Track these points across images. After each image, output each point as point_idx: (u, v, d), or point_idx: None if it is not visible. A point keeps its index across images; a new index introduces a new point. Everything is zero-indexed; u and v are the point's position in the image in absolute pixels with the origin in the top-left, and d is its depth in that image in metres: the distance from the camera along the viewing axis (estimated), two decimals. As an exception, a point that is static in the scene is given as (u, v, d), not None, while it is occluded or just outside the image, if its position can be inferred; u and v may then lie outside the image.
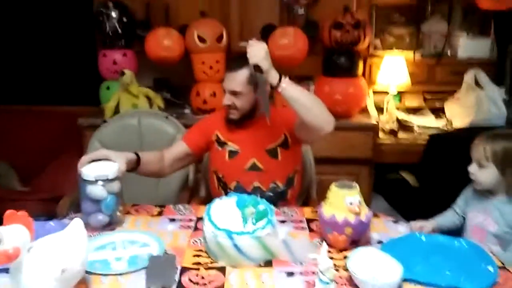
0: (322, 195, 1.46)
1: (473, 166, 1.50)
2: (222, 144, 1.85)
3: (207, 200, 1.73)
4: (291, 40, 2.70)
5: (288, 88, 1.57)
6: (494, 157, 1.45)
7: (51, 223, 1.51)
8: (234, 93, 1.73)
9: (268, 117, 1.69)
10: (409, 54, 3.05)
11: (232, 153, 1.83)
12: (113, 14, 2.80)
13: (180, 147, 1.89)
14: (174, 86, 3.16)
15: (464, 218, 1.58)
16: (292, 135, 1.81)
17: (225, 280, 1.21)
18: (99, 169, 1.50)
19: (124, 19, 2.83)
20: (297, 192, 1.92)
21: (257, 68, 1.56)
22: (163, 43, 2.76)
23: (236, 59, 1.76)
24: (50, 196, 2.47)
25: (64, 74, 3.36)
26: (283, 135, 1.82)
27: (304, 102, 1.59)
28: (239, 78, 1.71)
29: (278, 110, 1.94)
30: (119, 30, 2.83)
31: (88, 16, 3.04)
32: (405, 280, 1.18)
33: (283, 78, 1.57)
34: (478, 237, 1.50)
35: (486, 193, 1.52)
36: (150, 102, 2.80)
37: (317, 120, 1.60)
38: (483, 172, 1.48)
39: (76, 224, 1.15)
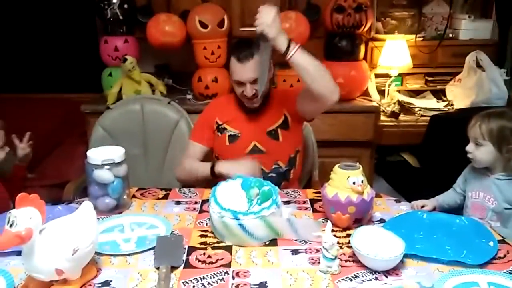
0: (324, 178, 1.49)
1: (470, 145, 1.53)
2: (221, 130, 1.87)
3: (210, 184, 1.76)
4: (292, 24, 2.71)
5: (297, 56, 1.55)
6: (490, 135, 1.48)
7: (59, 207, 1.55)
8: (254, 82, 1.71)
9: (261, 89, 1.68)
10: (411, 37, 3.05)
11: (232, 138, 1.85)
12: (114, 0, 2.79)
13: (197, 149, 1.91)
14: (176, 72, 3.17)
15: (464, 197, 1.61)
16: (293, 114, 1.83)
17: (231, 259, 1.24)
18: (106, 153, 1.52)
19: (125, 5, 2.83)
20: (299, 173, 1.95)
21: (263, 36, 1.53)
22: (165, 29, 2.76)
23: (241, 49, 1.72)
24: (55, 182, 2.50)
25: (66, 62, 3.37)
26: (283, 115, 1.83)
27: (312, 70, 1.58)
28: (254, 66, 1.69)
29: (277, 90, 1.96)
30: (120, 17, 2.83)
31: (89, 3, 3.04)
32: (407, 256, 1.21)
33: (292, 45, 1.54)
34: (478, 214, 1.53)
35: (484, 171, 1.54)
36: (152, 88, 2.82)
37: (323, 90, 1.61)
38: (480, 150, 1.50)
39: (86, 206, 1.18)
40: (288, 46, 1.54)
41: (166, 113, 2.32)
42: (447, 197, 1.63)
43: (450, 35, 3.13)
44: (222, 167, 1.75)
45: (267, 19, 1.50)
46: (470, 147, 1.53)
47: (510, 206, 1.47)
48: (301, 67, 1.57)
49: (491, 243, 1.27)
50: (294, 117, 1.84)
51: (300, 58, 1.56)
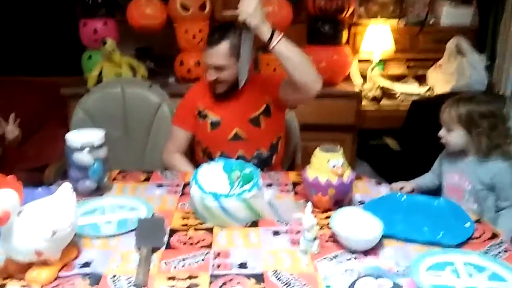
0: (306, 161, 1.50)
1: (442, 130, 1.58)
2: (203, 116, 1.86)
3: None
4: (275, 8, 2.69)
5: (280, 46, 1.52)
6: (459, 119, 1.53)
7: (39, 189, 1.52)
8: (218, 68, 1.71)
9: (242, 80, 1.65)
10: (393, 22, 3.06)
11: (213, 124, 1.84)
12: (94, -18, 2.74)
13: (180, 135, 1.91)
14: (157, 56, 3.14)
15: (441, 179, 1.64)
16: (276, 101, 1.82)
17: (213, 240, 1.25)
18: (85, 136, 1.51)
19: (105, -13, 2.78)
20: (281, 157, 1.96)
21: (245, 25, 1.51)
22: (145, 11, 2.73)
23: (214, 32, 1.73)
24: (35, 166, 2.46)
25: (45, 44, 3.31)
26: (265, 102, 1.82)
27: (296, 60, 1.56)
28: (220, 52, 1.69)
29: (260, 76, 1.95)
30: (100, -1, 2.77)
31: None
32: (385, 236, 1.23)
33: (275, 34, 1.52)
34: (455, 196, 1.57)
35: (458, 154, 1.59)
36: (133, 71, 2.78)
37: (306, 79, 1.59)
38: (452, 135, 1.55)
39: (64, 187, 1.17)
40: (272, 35, 1.51)
41: (147, 97, 2.29)
42: (425, 180, 1.67)
43: (432, 21, 3.15)
44: None
45: (249, 8, 1.47)
46: (442, 132, 1.58)
47: (484, 187, 1.51)
48: (284, 57, 1.55)
49: (468, 224, 1.30)
50: (276, 104, 1.83)
51: (283, 47, 1.53)
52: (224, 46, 1.68)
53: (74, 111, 2.27)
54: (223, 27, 1.74)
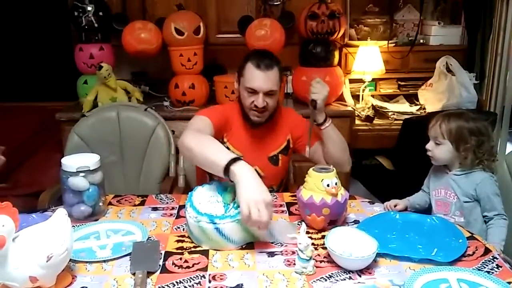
0: (301, 181, 1.51)
1: (430, 143, 1.61)
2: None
3: (187, 190, 1.74)
4: (267, 31, 2.74)
5: (329, 129, 1.73)
6: (449, 134, 1.56)
7: (34, 215, 1.52)
8: (269, 93, 1.69)
9: (309, 148, 1.76)
10: (383, 43, 3.12)
11: None
12: (89, 8, 2.78)
13: (204, 122, 1.68)
14: (153, 79, 3.18)
15: None
16: (295, 142, 1.87)
17: (208, 263, 1.25)
18: (80, 160, 1.51)
19: (100, 13, 2.81)
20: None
21: (313, 103, 1.68)
22: (140, 36, 2.76)
23: (264, 56, 1.70)
24: (30, 191, 2.46)
25: (41, 70, 3.33)
26: (286, 140, 1.85)
27: (338, 143, 1.76)
28: (274, 77, 1.69)
29: (287, 110, 1.94)
30: (95, 24, 2.81)
31: (63, 11, 3.02)
32: (380, 255, 1.24)
33: (328, 119, 1.73)
34: (442, 211, 1.60)
35: (444, 169, 1.63)
36: (128, 95, 2.80)
37: (341, 160, 1.76)
38: (439, 149, 1.58)
39: (59, 213, 1.17)
40: (325, 120, 1.72)
41: (142, 120, 2.31)
42: (417, 198, 1.69)
43: (421, 41, 3.22)
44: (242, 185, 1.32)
45: (324, 93, 1.67)
46: (430, 145, 1.61)
47: (469, 199, 1.54)
48: (330, 138, 1.74)
49: (461, 241, 1.31)
50: (295, 145, 1.87)
51: (331, 131, 1.74)
52: (276, 72, 1.69)
53: (69, 136, 2.28)
54: (268, 53, 1.74)
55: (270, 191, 1.77)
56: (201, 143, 1.50)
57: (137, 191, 1.94)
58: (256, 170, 1.73)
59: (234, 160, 1.35)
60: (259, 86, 1.67)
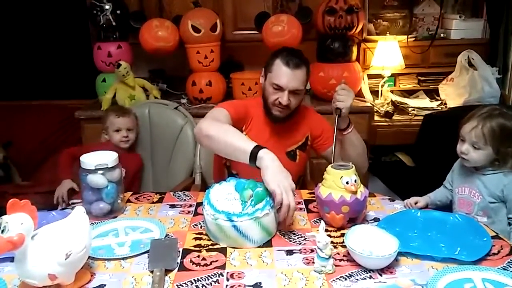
0: (319, 178, 1.49)
1: (466, 146, 1.49)
2: None
3: (203, 188, 1.74)
4: (284, 27, 2.71)
5: (351, 134, 1.76)
6: (491, 138, 1.44)
7: (53, 212, 1.54)
8: (295, 92, 1.69)
9: (333, 157, 1.72)
10: (403, 38, 3.06)
11: None
12: (107, 7, 2.80)
13: (223, 113, 1.67)
14: (170, 77, 3.19)
15: None
16: (313, 141, 1.86)
17: (226, 261, 1.24)
18: (99, 158, 1.52)
19: (118, 11, 2.84)
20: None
21: (338, 111, 1.68)
22: (158, 34, 2.76)
23: (293, 55, 1.69)
24: (50, 189, 2.48)
25: (60, 68, 3.37)
26: (305, 137, 1.84)
27: (358, 147, 1.78)
28: (301, 76, 1.69)
29: (307, 108, 1.92)
30: (113, 23, 2.83)
31: (81, 9, 3.05)
32: (401, 254, 1.21)
33: (350, 124, 1.75)
34: (465, 210, 1.54)
35: (470, 167, 1.54)
36: (146, 93, 2.82)
37: (361, 165, 1.76)
38: (478, 153, 1.47)
39: (78, 210, 1.18)
40: (348, 125, 1.74)
41: (172, 118, 2.35)
42: (439, 194, 1.64)
43: (442, 35, 3.15)
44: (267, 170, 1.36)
45: (349, 101, 1.67)
46: (465, 149, 1.49)
47: (495, 200, 1.47)
48: (351, 143, 1.77)
49: (485, 239, 1.27)
50: (312, 143, 1.87)
51: (353, 136, 1.76)
52: (304, 71, 1.69)
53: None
54: (298, 52, 1.73)
55: None
56: (222, 130, 1.52)
57: (164, 188, 1.94)
58: None
59: (258, 147, 1.40)
60: (286, 84, 1.67)
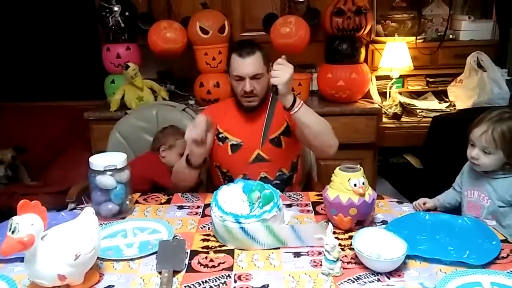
0: (326, 180, 1.49)
1: (476, 151, 1.46)
2: (222, 139, 1.84)
3: (209, 191, 1.75)
4: (292, 28, 2.71)
5: (300, 113, 1.62)
6: (502, 143, 1.41)
7: (63, 213, 1.56)
8: (255, 77, 1.74)
9: (264, 141, 1.67)
10: (411, 39, 3.05)
11: (234, 147, 1.82)
12: (116, 8, 2.82)
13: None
14: (178, 78, 3.20)
15: None
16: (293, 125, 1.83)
17: (234, 262, 1.24)
18: (108, 159, 1.53)
19: (127, 13, 2.85)
20: (300, 176, 1.96)
21: (274, 88, 1.58)
22: (166, 35, 2.77)
23: (243, 46, 1.76)
24: (59, 189, 2.51)
25: (69, 69, 3.40)
26: (285, 122, 1.83)
27: (314, 127, 1.66)
28: (257, 60, 1.73)
29: None
30: (122, 24, 2.85)
31: (90, 11, 3.07)
32: (409, 257, 1.21)
33: (297, 102, 1.61)
34: (474, 213, 1.52)
35: (480, 172, 1.52)
36: (154, 94, 2.84)
37: (322, 146, 1.72)
38: (489, 158, 1.45)
39: (87, 211, 1.19)
40: (293, 103, 1.60)
41: (180, 119, 2.34)
42: (448, 197, 1.62)
43: (451, 36, 3.13)
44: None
45: (284, 77, 1.55)
46: (476, 154, 1.46)
47: (504, 204, 1.45)
48: (303, 123, 1.65)
49: (494, 243, 1.26)
50: (292, 126, 1.85)
51: (302, 115, 1.63)
52: (258, 56, 1.73)
53: (111, 133, 2.34)
54: (249, 41, 1.80)
55: (281, 175, 1.82)
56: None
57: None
58: (259, 154, 1.80)
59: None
60: (244, 72, 1.73)
